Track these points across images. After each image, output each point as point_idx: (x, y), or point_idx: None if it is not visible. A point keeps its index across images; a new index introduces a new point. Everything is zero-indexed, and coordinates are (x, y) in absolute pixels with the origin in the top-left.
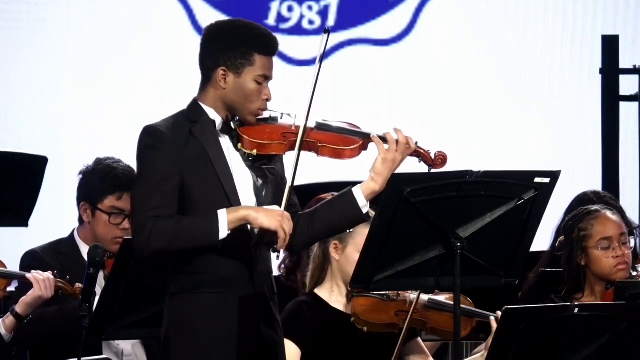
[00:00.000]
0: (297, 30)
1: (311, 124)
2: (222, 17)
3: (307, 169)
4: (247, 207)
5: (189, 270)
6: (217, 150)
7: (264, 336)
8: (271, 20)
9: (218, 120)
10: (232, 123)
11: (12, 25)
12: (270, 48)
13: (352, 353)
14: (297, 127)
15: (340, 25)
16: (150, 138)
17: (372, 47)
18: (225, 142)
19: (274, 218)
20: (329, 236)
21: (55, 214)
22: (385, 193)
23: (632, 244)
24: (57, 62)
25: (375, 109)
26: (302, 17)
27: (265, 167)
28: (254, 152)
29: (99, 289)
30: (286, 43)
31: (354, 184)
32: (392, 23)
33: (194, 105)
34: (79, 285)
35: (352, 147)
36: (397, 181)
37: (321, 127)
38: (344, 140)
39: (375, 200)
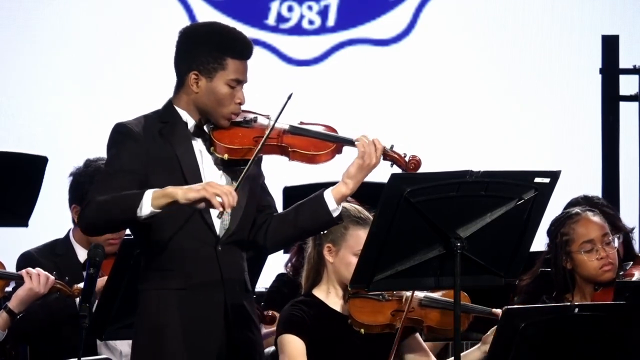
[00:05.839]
0: (297, 30)
1: (285, 127)
2: (222, 17)
3: (303, 169)
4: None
5: (155, 267)
6: (187, 152)
7: (237, 335)
8: (271, 20)
9: (191, 123)
10: (205, 126)
11: (12, 26)
12: (243, 52)
13: (349, 353)
14: (271, 131)
15: (340, 25)
16: (119, 135)
17: (372, 47)
18: (198, 144)
19: (197, 187)
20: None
21: (55, 214)
22: (385, 193)
23: (616, 244)
24: (57, 62)
25: (374, 109)
26: (302, 17)
27: (238, 167)
28: (225, 156)
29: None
30: (286, 43)
31: None
32: (392, 23)
33: (168, 106)
34: (77, 286)
35: (324, 151)
36: (397, 181)
37: (294, 130)
38: (315, 145)
39: (374, 201)
